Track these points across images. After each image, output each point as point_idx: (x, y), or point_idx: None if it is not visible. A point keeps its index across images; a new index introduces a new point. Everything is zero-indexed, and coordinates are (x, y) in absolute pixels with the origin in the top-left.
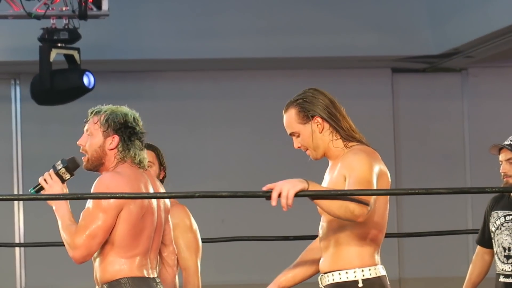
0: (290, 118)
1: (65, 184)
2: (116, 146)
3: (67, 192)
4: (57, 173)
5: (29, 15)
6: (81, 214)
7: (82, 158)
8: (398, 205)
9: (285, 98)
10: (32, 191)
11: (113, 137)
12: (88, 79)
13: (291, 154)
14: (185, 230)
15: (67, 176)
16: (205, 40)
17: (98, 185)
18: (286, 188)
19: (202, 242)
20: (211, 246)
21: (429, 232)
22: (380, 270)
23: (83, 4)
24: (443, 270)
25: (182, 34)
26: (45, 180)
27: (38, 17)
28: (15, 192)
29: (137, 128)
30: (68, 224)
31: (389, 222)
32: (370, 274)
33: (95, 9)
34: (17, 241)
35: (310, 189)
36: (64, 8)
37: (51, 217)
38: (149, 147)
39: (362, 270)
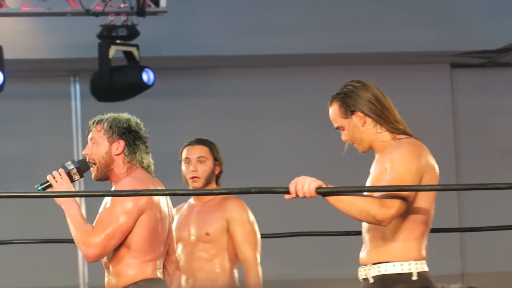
0: (334, 112)
1: (72, 185)
2: (123, 151)
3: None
4: (68, 173)
5: (87, 12)
6: (99, 215)
7: (91, 169)
8: (460, 200)
9: None
10: (39, 188)
11: (119, 142)
12: (147, 76)
13: (348, 149)
14: (242, 224)
15: (76, 177)
16: (264, 36)
17: (120, 188)
18: (307, 182)
19: (264, 237)
20: (273, 242)
21: (491, 227)
22: (426, 265)
23: (141, 0)
24: (506, 265)
25: (241, 30)
26: (54, 178)
27: (96, 14)
28: (77, 188)
29: (141, 132)
30: (81, 222)
31: (451, 217)
32: (423, 268)
33: (153, 5)
34: None
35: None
36: (122, 5)
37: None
38: (203, 142)
39: (416, 263)
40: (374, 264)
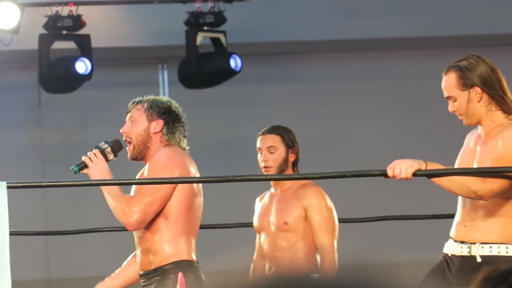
0: (449, 82)
1: (107, 164)
2: (161, 130)
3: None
4: (102, 153)
5: (175, 0)
6: (137, 186)
7: (127, 148)
8: None
9: (431, 78)
10: (75, 169)
11: (158, 121)
12: (235, 62)
13: (437, 134)
14: (320, 210)
15: (111, 156)
16: (351, 20)
17: (158, 157)
18: (404, 166)
19: (353, 222)
20: (362, 226)
21: None
22: None
23: None
24: None
25: (328, 15)
26: (90, 159)
27: (183, 1)
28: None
29: (180, 115)
30: (119, 194)
31: None
32: None
33: None
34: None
35: (428, 168)
36: None
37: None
38: (273, 130)
39: None
40: (483, 243)
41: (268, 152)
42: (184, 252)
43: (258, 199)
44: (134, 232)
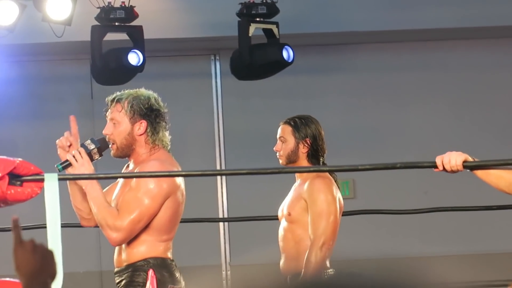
0: None
1: (92, 164)
2: (145, 131)
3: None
4: (89, 153)
5: None
6: (123, 197)
7: (110, 146)
8: None
9: (486, 69)
10: (59, 167)
11: (141, 122)
12: (287, 53)
13: (490, 127)
14: (315, 203)
15: (96, 156)
16: (405, 10)
17: (147, 170)
18: (454, 156)
19: (405, 213)
20: (414, 218)
21: None
22: None
23: None
24: None
25: (381, 5)
26: (74, 157)
27: None
28: (218, 167)
29: (161, 110)
30: (105, 205)
31: None
32: None
33: None
34: (220, 216)
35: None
36: None
37: (254, 192)
38: (287, 121)
39: None
40: None
41: (280, 142)
42: (159, 251)
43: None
44: None
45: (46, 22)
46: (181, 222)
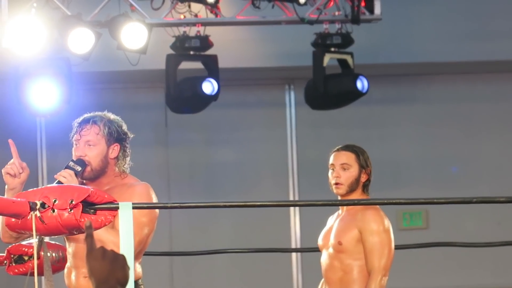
0: None
1: None
2: (117, 155)
3: None
4: (76, 175)
5: (302, 21)
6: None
7: (61, 178)
8: None
9: None
10: None
11: (115, 146)
12: (361, 83)
13: None
14: (373, 234)
15: (78, 178)
16: (479, 42)
17: (141, 195)
18: None
19: (478, 246)
20: (487, 250)
21: None
22: None
23: (356, 8)
24: None
25: (456, 36)
26: (63, 177)
27: (311, 22)
28: (291, 197)
29: (128, 135)
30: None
31: None
32: None
33: (367, 13)
34: (293, 246)
35: None
36: (336, 13)
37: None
38: (349, 148)
39: None
40: None
41: (342, 169)
42: (137, 273)
43: (329, 218)
44: (80, 252)
45: (121, 50)
46: (254, 251)
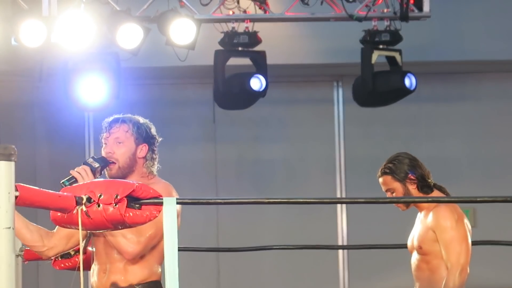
0: None
1: None
2: (145, 155)
3: None
4: (93, 171)
5: (351, 17)
6: None
7: (110, 165)
8: None
9: None
10: (66, 183)
11: (144, 145)
12: (409, 81)
13: None
14: (445, 231)
15: (98, 175)
16: None
17: (167, 194)
18: None
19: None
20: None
21: None
22: None
23: (405, 5)
24: None
25: (505, 34)
26: (79, 173)
27: (359, 19)
28: (338, 194)
29: (157, 139)
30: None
31: None
32: None
33: (416, 10)
34: (340, 243)
35: None
36: (385, 10)
37: (374, 219)
38: (381, 173)
39: None
40: None
41: (390, 193)
42: (157, 274)
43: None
44: (99, 249)
45: (170, 46)
46: (301, 248)
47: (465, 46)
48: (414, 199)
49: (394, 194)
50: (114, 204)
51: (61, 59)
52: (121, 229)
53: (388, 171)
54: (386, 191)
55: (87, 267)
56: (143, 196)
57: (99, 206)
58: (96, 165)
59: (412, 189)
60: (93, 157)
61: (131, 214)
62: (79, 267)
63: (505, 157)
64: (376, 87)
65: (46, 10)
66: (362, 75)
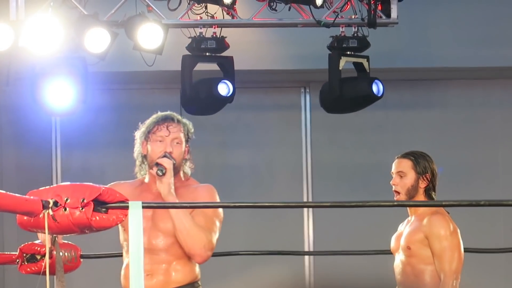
0: None
1: None
2: (187, 156)
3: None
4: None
5: (319, 23)
6: (199, 218)
7: (166, 164)
8: None
9: None
10: (161, 173)
11: (187, 147)
12: (377, 87)
13: None
14: (439, 239)
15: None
16: (496, 48)
17: (212, 195)
18: None
19: (489, 252)
20: (498, 256)
21: None
22: None
23: (372, 12)
24: None
25: (473, 42)
26: (167, 164)
27: (327, 25)
28: (305, 200)
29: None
30: (195, 223)
31: None
32: None
33: (384, 17)
34: (306, 249)
35: None
36: (353, 16)
37: (340, 225)
38: (406, 155)
39: None
40: None
41: (398, 177)
42: (196, 276)
43: (400, 225)
44: (152, 251)
45: (137, 51)
46: (266, 254)
47: (433, 53)
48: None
49: (401, 179)
50: (81, 208)
51: (29, 63)
52: (88, 233)
53: (412, 158)
54: (397, 173)
55: (53, 271)
56: (109, 200)
57: (65, 210)
58: (174, 161)
59: (421, 187)
60: (165, 154)
61: (97, 218)
62: (44, 272)
63: (471, 164)
64: (344, 94)
65: (13, 14)
66: (330, 81)
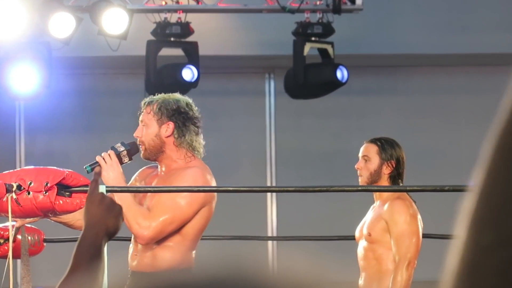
0: None
1: (121, 167)
2: (172, 133)
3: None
4: (118, 155)
5: (283, 9)
6: (159, 198)
7: (140, 149)
8: None
9: None
10: (88, 169)
11: (168, 124)
12: (341, 73)
13: None
14: (397, 224)
15: (126, 159)
16: (460, 35)
17: (187, 180)
18: None
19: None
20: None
21: None
22: None
23: None
24: None
25: (437, 29)
26: (103, 159)
27: (292, 11)
28: (269, 185)
29: (191, 113)
30: (134, 203)
31: None
32: None
33: (349, 3)
34: (269, 234)
35: None
36: (318, 2)
37: (304, 211)
38: (373, 140)
39: None
40: None
41: (363, 160)
42: (189, 261)
43: (369, 211)
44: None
45: (102, 36)
46: (230, 239)
47: (397, 40)
48: (342, 188)
49: (365, 163)
50: (44, 192)
51: None
52: (51, 217)
53: (379, 143)
54: (362, 157)
55: (17, 255)
56: (73, 184)
57: (29, 193)
58: (122, 149)
59: (384, 173)
60: (122, 142)
61: (61, 202)
62: (7, 255)
63: (435, 149)
64: (308, 79)
65: None
66: (294, 67)
